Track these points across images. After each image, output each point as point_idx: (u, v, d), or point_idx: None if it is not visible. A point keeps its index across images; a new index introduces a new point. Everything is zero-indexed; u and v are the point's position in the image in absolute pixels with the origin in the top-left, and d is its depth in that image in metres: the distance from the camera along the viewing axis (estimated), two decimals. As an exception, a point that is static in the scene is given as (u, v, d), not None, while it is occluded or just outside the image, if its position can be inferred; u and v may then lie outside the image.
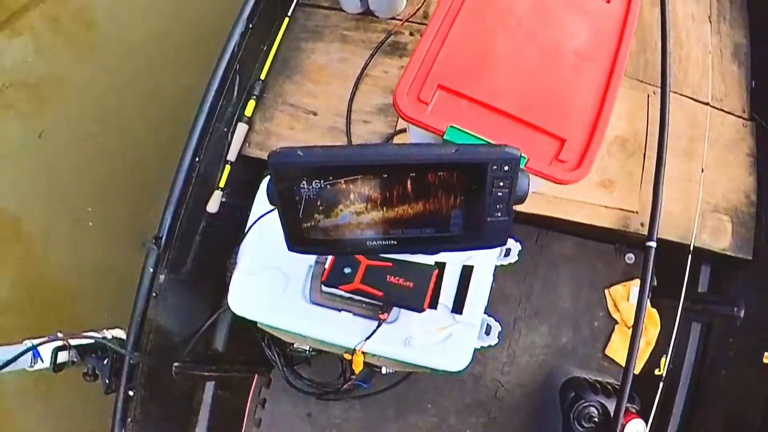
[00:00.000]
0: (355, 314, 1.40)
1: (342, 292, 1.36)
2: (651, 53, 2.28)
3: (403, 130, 2.08)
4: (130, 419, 1.70)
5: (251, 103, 2.09)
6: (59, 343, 1.50)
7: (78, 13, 3.60)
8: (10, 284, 3.02)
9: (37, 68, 3.44)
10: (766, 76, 2.33)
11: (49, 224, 3.12)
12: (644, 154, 2.14)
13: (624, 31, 1.53)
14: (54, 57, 3.49)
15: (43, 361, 1.45)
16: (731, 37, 2.44)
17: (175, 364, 1.87)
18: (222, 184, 1.98)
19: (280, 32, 2.19)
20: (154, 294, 1.79)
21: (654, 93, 2.20)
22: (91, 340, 1.60)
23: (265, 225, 1.43)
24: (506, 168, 0.86)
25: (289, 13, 2.22)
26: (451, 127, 1.39)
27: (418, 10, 2.24)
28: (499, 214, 0.93)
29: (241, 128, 2.06)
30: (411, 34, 2.24)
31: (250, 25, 2.04)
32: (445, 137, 1.39)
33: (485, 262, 1.48)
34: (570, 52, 1.49)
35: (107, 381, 1.63)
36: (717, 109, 2.28)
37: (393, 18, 2.27)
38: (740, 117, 2.30)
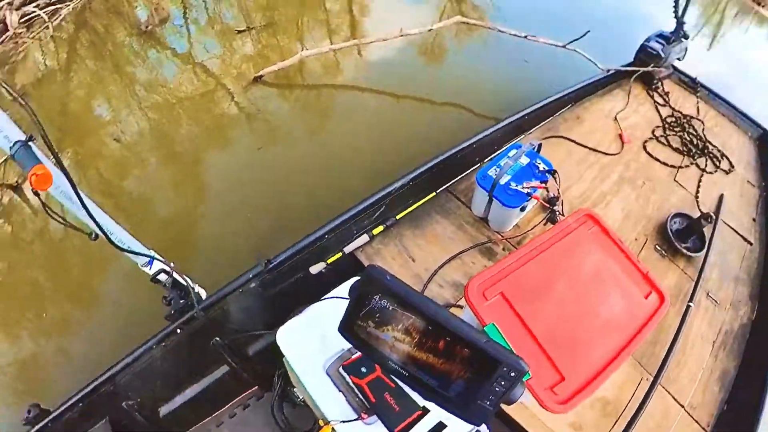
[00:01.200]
0: (347, 400, 1.33)
1: (350, 381, 1.30)
2: (659, 348, 2.15)
3: (460, 307, 2.06)
4: (164, 344, 1.74)
5: (380, 228, 2.19)
6: (167, 267, 1.59)
7: (325, 106, 4.09)
8: (172, 233, 3.26)
9: (283, 118, 3.92)
10: (734, 409, 2.10)
11: (221, 208, 3.36)
12: (616, 421, 1.93)
13: (647, 323, 1.47)
14: (293, 119, 3.97)
15: (150, 269, 1.57)
16: (724, 363, 2.25)
17: (217, 338, 1.86)
18: (329, 261, 2.05)
19: (425, 199, 2.32)
20: (240, 290, 1.83)
21: (647, 379, 2.04)
22: (184, 283, 1.67)
23: (335, 303, 1.45)
24: (512, 374, 0.82)
25: (436, 192, 2.36)
26: (492, 324, 1.36)
27: (516, 236, 2.29)
28: (488, 403, 0.87)
29: (364, 238, 2.15)
30: (504, 249, 2.27)
31: (410, 183, 2.18)
32: (485, 328, 1.36)
33: (457, 428, 1.37)
34: (602, 318, 1.44)
35: (172, 312, 1.69)
36: (688, 414, 2.05)
37: (498, 232, 2.32)
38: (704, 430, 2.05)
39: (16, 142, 1.08)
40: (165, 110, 4.23)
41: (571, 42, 3.68)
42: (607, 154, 2.79)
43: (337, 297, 1.43)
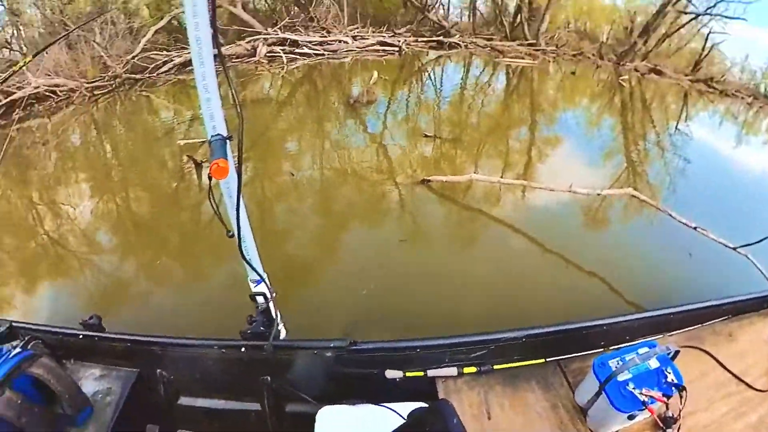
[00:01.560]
0: None
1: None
2: None
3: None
4: (224, 351, 1.85)
5: (473, 369, 2.03)
6: (268, 294, 1.74)
7: (474, 230, 4.28)
8: (289, 269, 3.54)
9: (433, 224, 4.22)
10: None
11: (341, 272, 3.59)
12: None
13: None
14: (441, 229, 4.23)
15: (254, 287, 1.73)
16: None
17: (268, 377, 1.91)
18: (408, 374, 1.97)
19: (531, 362, 2.11)
20: (314, 351, 1.87)
21: None
22: (273, 315, 1.80)
23: (390, 415, 1.38)
24: None
25: (545, 359, 2.15)
26: None
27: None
28: None
29: (452, 370, 2.02)
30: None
31: (523, 339, 2.07)
32: None
33: None
34: None
35: (248, 332, 1.81)
36: None
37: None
38: None
39: (218, 134, 1.34)
40: (339, 171, 4.81)
41: (744, 246, 3.31)
42: (752, 387, 2.27)
43: (396, 412, 1.37)
